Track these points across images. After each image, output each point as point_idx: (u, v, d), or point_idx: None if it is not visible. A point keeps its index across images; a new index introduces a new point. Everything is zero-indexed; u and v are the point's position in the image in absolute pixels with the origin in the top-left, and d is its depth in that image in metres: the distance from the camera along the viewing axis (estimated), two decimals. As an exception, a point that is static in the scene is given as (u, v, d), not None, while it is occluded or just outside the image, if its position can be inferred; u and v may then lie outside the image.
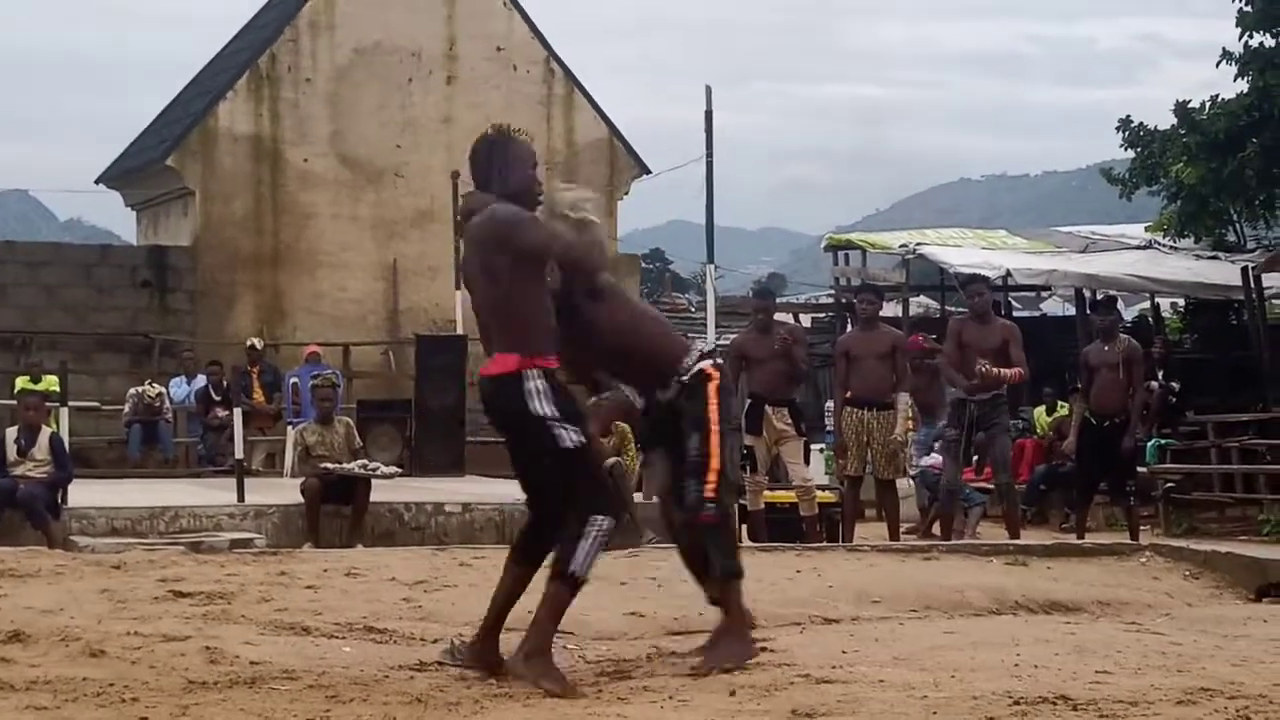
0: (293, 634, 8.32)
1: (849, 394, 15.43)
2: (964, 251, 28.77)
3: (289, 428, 20.67)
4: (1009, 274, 28.03)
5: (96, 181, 32.29)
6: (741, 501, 16.36)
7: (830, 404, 21.81)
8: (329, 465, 15.96)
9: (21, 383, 22.36)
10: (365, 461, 16.37)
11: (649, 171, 31.37)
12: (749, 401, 15.14)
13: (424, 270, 28.14)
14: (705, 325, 21.42)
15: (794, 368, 15.23)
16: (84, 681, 6.81)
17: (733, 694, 6.45)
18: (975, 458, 18.08)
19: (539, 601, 6.95)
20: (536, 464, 7.05)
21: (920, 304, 31.28)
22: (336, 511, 15.73)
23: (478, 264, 7.10)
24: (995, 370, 15.00)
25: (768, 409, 15.09)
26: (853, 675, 6.76)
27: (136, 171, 30.66)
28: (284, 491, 16.70)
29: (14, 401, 18.67)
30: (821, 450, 21.75)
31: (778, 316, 16.05)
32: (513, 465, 7.21)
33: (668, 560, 9.60)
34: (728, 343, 19.84)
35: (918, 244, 29.10)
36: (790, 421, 15.15)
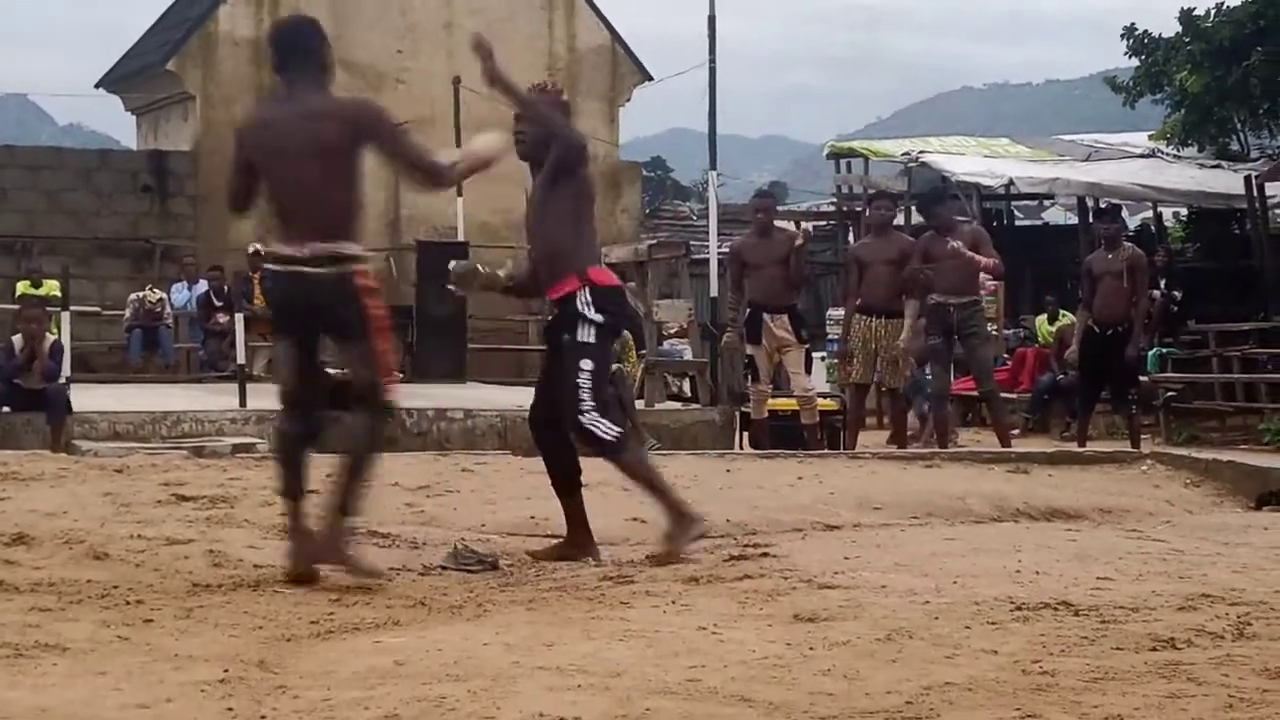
0: (295, 538, 8.34)
1: (859, 301, 15.38)
2: (966, 160, 28.72)
3: (290, 333, 20.67)
4: (1012, 182, 28.00)
5: (96, 85, 32.15)
6: (744, 409, 16.42)
7: (833, 312, 21.83)
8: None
9: (23, 287, 22.35)
10: (366, 367, 16.32)
11: (650, 78, 31.24)
12: (748, 310, 15.10)
13: (425, 177, 27.98)
14: (707, 233, 21.38)
15: (794, 274, 15.13)
16: (88, 584, 6.83)
17: (735, 599, 6.47)
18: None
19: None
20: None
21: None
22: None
23: None
24: (965, 253, 14.88)
25: (766, 317, 15.01)
26: (855, 581, 6.78)
27: (136, 75, 30.53)
28: (286, 397, 16.67)
29: (16, 306, 18.64)
30: (823, 358, 21.77)
31: (778, 224, 15.97)
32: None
33: (669, 466, 9.61)
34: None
35: (920, 152, 29.05)
36: (791, 329, 15.07)
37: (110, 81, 31.83)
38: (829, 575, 6.90)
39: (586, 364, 7.50)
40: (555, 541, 8.10)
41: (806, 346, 15.65)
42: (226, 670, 5.27)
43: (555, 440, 7.89)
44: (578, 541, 7.91)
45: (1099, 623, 5.89)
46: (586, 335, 7.51)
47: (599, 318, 7.51)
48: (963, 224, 17.03)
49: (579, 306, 7.54)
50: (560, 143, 7.57)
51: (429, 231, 26.77)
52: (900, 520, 9.48)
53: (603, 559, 7.84)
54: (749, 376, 15.66)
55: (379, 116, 7.15)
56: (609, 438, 7.48)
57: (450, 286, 8.41)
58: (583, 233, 7.60)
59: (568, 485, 7.94)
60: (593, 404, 7.48)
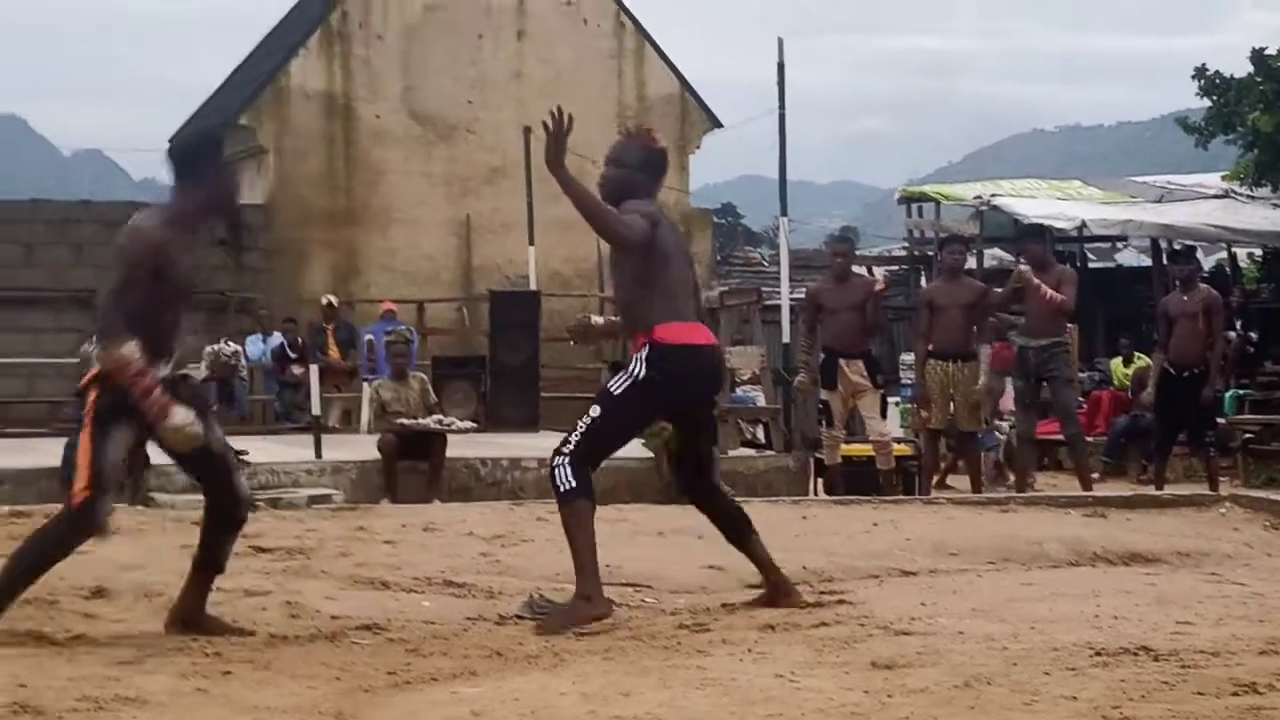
0: (372, 588, 8.38)
1: (931, 346, 15.33)
2: (1038, 202, 28.64)
3: (364, 384, 20.75)
4: (1084, 224, 27.89)
5: (170, 140, 32.43)
6: (818, 455, 16.38)
7: (906, 356, 21.77)
8: (405, 421, 16.01)
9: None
10: (441, 417, 16.42)
11: (720, 125, 31.30)
12: (823, 355, 15.08)
13: (497, 226, 28.12)
14: (779, 279, 21.36)
15: (871, 320, 15.11)
16: (166, 636, 6.87)
17: (812, 646, 6.45)
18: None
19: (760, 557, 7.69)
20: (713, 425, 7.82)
21: (994, 256, 31.11)
22: (413, 467, 15.79)
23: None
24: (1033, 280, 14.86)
25: (842, 362, 14.99)
26: (932, 627, 6.75)
27: (210, 130, 30.80)
28: (361, 448, 16.76)
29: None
30: (897, 404, 21.70)
31: (854, 269, 15.96)
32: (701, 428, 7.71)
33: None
34: (803, 296, 19.85)
35: (992, 195, 28.98)
36: (865, 374, 15.05)
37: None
38: (906, 622, 6.88)
39: (595, 410, 7.33)
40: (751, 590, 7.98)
41: (881, 391, 15.62)
42: (304, 722, 5.30)
43: (705, 494, 7.76)
44: (772, 583, 7.70)
45: (1179, 668, 5.84)
46: (616, 384, 7.35)
47: (642, 372, 7.29)
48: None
49: (630, 360, 7.45)
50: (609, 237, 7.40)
51: (501, 281, 26.86)
52: (976, 566, 9.43)
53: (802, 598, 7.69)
54: (823, 422, 15.62)
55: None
56: (563, 486, 7.34)
57: (572, 344, 8.36)
58: (654, 290, 7.36)
59: (735, 533, 7.76)
60: (573, 449, 7.32)
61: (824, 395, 15.24)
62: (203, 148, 6.95)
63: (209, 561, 7.09)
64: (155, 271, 6.64)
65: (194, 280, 6.94)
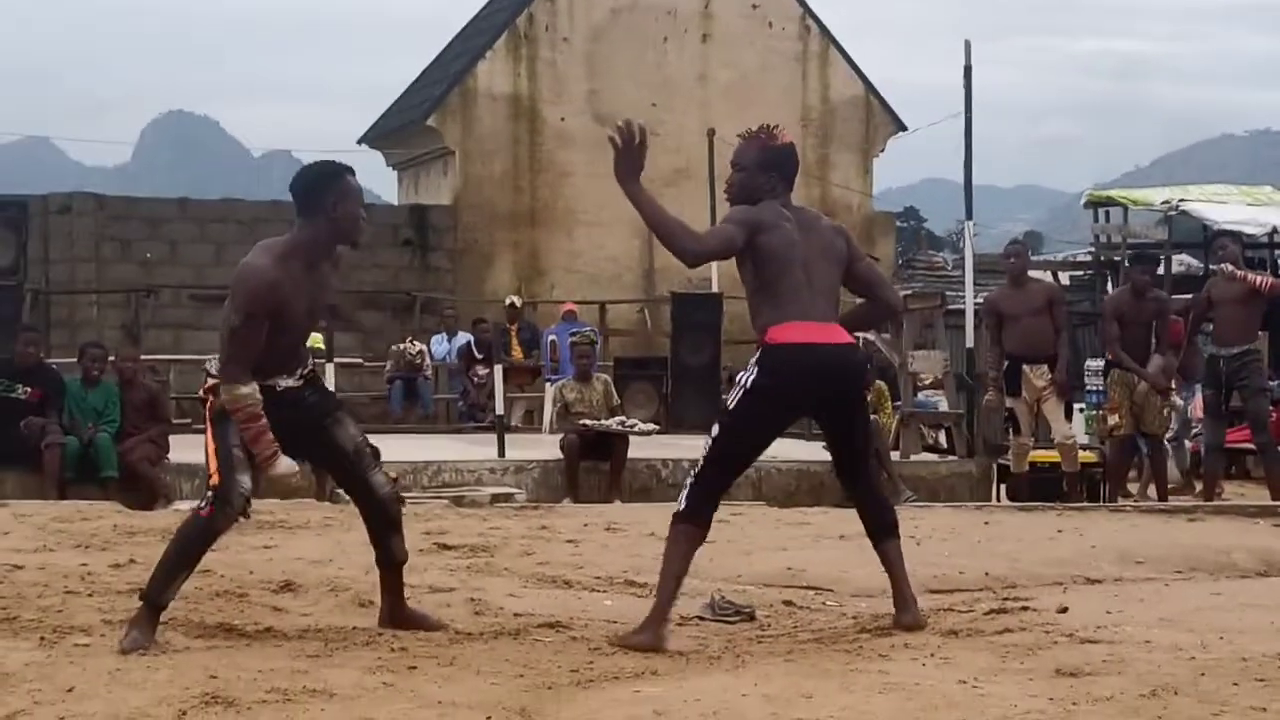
0: (555, 587, 8.44)
1: (1109, 357, 15.22)
2: (1228, 208, 28.18)
3: (547, 385, 20.88)
4: (1276, 230, 27.42)
5: (359, 142, 32.85)
6: (1001, 461, 16.26)
7: (1091, 363, 21.54)
8: (588, 422, 16.11)
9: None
10: (623, 418, 16.50)
11: (904, 128, 31.15)
12: (1006, 362, 14.97)
13: (680, 228, 28.06)
14: (962, 283, 21.19)
15: (1056, 326, 14.97)
16: (353, 630, 6.97)
17: (996, 653, 6.40)
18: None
19: (893, 563, 7.21)
20: (865, 427, 7.37)
21: (1182, 262, 30.70)
22: (595, 467, 15.89)
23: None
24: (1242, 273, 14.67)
25: (1026, 368, 14.87)
26: (1118, 635, 6.68)
27: (398, 132, 31.16)
28: (543, 447, 16.88)
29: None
30: (1081, 410, 21.48)
31: (1035, 274, 15.81)
32: (843, 432, 7.34)
33: (925, 518, 9.56)
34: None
35: (1180, 200, 28.56)
36: (1049, 379, 14.93)
37: (371, 138, 32.50)
38: (1091, 630, 6.81)
39: (715, 429, 7.10)
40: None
41: (1067, 396, 15.46)
42: (489, 717, 5.34)
43: (859, 496, 7.58)
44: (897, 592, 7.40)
45: (1373, 681, 5.74)
46: (731, 397, 7.14)
47: (752, 378, 7.11)
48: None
49: (745, 369, 7.27)
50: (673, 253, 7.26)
51: (683, 283, 26.89)
52: (1163, 575, 9.30)
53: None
54: (1010, 429, 15.51)
55: None
56: (677, 506, 7.11)
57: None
58: (765, 293, 7.08)
59: (877, 543, 7.41)
60: (699, 470, 7.06)
61: (1009, 403, 15.12)
62: (320, 180, 6.95)
63: (385, 560, 7.17)
64: (268, 311, 6.72)
65: (319, 306, 6.98)
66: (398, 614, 7.14)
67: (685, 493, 7.09)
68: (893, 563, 7.28)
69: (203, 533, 6.76)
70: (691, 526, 7.03)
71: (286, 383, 6.93)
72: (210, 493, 6.74)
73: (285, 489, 6.82)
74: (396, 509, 7.24)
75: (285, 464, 6.72)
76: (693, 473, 7.13)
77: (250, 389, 6.65)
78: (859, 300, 7.69)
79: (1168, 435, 16.32)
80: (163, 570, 6.75)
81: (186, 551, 6.77)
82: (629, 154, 6.96)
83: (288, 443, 6.80)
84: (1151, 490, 15.98)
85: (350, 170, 7.05)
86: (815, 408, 7.32)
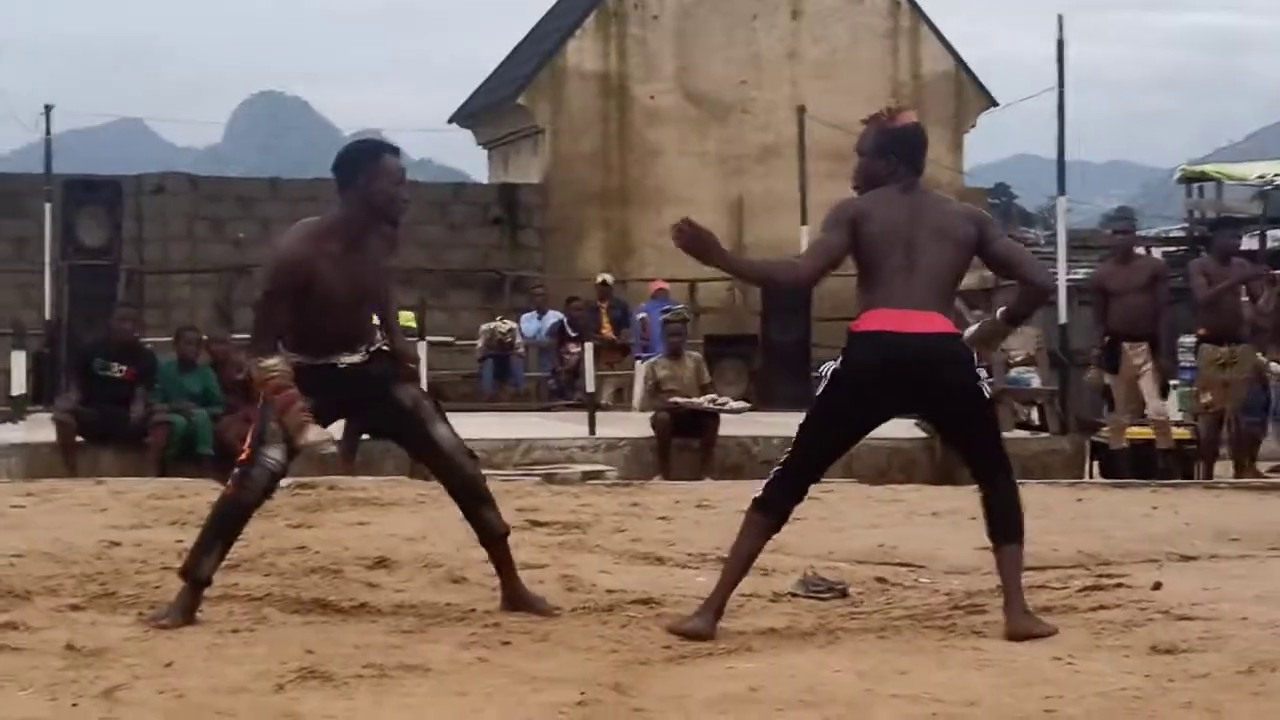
0: (646, 563, 8.46)
1: (1202, 331, 15.12)
2: (1325, 182, 27.91)
3: (637, 362, 20.89)
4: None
5: (449, 121, 32.94)
6: (1095, 438, 16.18)
7: (1186, 339, 21.39)
8: (679, 399, 16.12)
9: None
10: (714, 396, 16.50)
11: (996, 104, 30.97)
12: (1107, 339, 14.89)
13: (769, 206, 28.08)
14: (1054, 259, 21.06)
15: (1160, 302, 14.88)
16: (447, 606, 7.02)
17: (1090, 629, 6.37)
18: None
19: (1003, 568, 6.72)
20: (979, 423, 6.95)
21: (1276, 237, 30.40)
22: (686, 445, 15.90)
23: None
24: None
25: (1125, 346, 14.79)
26: (1214, 613, 6.63)
27: (487, 110, 31.23)
28: (633, 425, 16.88)
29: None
30: (1175, 386, 21.33)
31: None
32: (951, 428, 7.11)
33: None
34: (1080, 277, 19.55)
35: (1276, 175, 28.31)
36: (1149, 355, 14.84)
37: (462, 116, 32.59)
38: (1187, 606, 6.76)
39: (804, 419, 6.94)
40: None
41: (1161, 373, 15.36)
42: (583, 693, 5.36)
43: (986, 490, 7.36)
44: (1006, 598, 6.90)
45: None
46: (820, 387, 6.92)
47: (830, 368, 6.95)
48: None
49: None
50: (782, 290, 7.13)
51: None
52: (1259, 552, 9.22)
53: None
54: (1108, 406, 15.44)
55: None
56: (758, 493, 6.96)
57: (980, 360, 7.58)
58: (864, 282, 6.87)
59: (994, 541, 6.95)
60: (786, 459, 6.89)
61: (1107, 379, 15.05)
62: (356, 159, 6.95)
63: (484, 536, 7.18)
64: (298, 288, 6.74)
65: (368, 285, 6.98)
66: (511, 592, 7.14)
67: (769, 479, 6.95)
68: (1003, 568, 6.81)
69: (230, 507, 6.82)
70: (763, 517, 6.89)
71: (350, 359, 6.97)
72: (237, 469, 6.81)
73: (315, 455, 6.90)
74: (473, 468, 7.24)
75: (315, 432, 6.74)
76: (780, 460, 6.99)
77: (275, 360, 6.72)
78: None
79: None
80: (197, 545, 6.83)
81: (217, 526, 6.84)
82: (697, 244, 6.59)
83: (357, 417, 6.84)
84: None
85: (390, 149, 7.06)
86: (907, 402, 6.97)
